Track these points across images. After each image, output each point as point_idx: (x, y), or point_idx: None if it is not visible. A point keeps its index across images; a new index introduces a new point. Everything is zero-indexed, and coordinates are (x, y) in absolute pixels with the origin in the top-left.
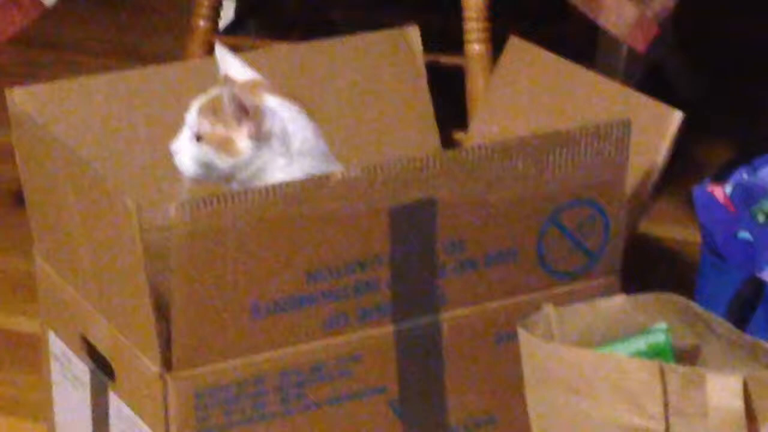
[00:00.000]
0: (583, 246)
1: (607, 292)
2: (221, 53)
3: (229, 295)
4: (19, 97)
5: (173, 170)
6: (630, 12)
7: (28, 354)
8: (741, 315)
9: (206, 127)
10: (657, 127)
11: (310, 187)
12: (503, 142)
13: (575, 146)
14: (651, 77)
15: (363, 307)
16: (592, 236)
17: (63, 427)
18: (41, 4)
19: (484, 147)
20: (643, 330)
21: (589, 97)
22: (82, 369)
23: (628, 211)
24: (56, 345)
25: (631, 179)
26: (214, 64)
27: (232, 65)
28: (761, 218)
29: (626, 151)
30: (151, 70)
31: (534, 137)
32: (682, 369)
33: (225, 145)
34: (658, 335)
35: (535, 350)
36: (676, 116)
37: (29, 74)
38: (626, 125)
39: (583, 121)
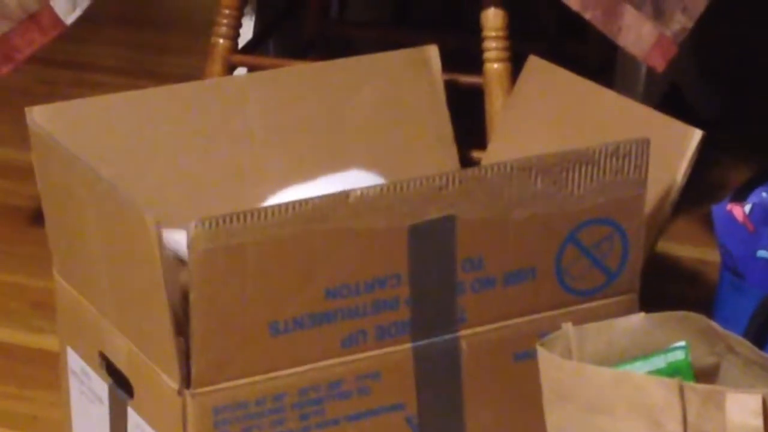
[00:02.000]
0: (601, 264)
1: (626, 310)
2: (168, 235)
3: (248, 312)
4: (39, 115)
5: (192, 188)
6: (649, 32)
7: (47, 371)
8: (760, 333)
9: None
10: (676, 146)
11: (329, 205)
12: (522, 161)
13: (594, 165)
14: (669, 97)
15: (382, 324)
16: (611, 255)
17: None
18: (61, 23)
19: (504, 165)
20: (663, 348)
21: (609, 116)
22: (100, 385)
23: (647, 230)
24: (75, 362)
25: (650, 198)
26: (233, 85)
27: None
28: None
29: (645, 169)
30: (171, 89)
31: (553, 155)
32: (701, 387)
33: None
34: (678, 353)
35: (554, 368)
36: (696, 135)
37: (48, 93)
38: (645, 144)
39: (602, 139)
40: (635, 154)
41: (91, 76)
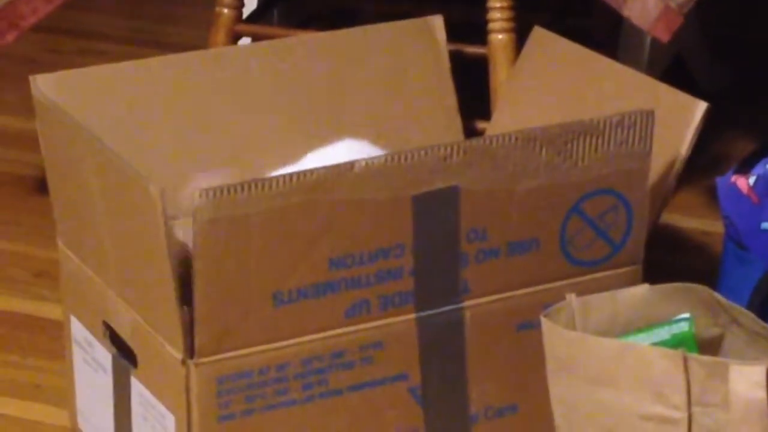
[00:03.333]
0: (606, 235)
1: (630, 281)
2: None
3: (252, 282)
4: (43, 83)
5: (196, 157)
6: (654, 3)
7: (50, 340)
8: (764, 305)
9: None
10: (681, 118)
11: (334, 175)
12: (527, 131)
13: (599, 135)
14: (673, 69)
15: (385, 294)
16: (615, 226)
17: (85, 413)
18: None
19: (508, 136)
20: (667, 320)
21: (613, 87)
22: (104, 355)
23: (651, 201)
24: (78, 331)
25: (655, 169)
26: (237, 55)
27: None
28: None
29: (650, 140)
30: (175, 58)
31: (558, 126)
32: (705, 359)
33: None
34: (682, 325)
35: (558, 339)
36: (701, 107)
37: (52, 62)
38: (650, 115)
39: (606, 110)
40: (640, 125)
41: (96, 45)
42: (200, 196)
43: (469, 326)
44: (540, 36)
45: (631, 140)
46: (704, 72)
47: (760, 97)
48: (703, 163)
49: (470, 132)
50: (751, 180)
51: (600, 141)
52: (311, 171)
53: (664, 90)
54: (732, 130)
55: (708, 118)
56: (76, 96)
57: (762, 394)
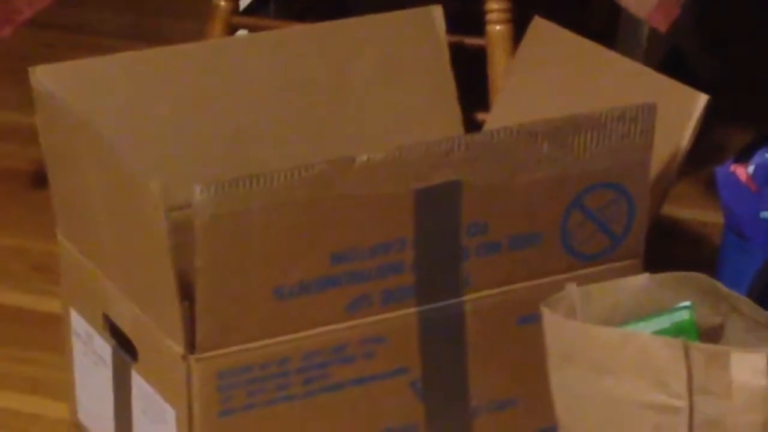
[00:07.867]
0: (607, 229)
1: (631, 274)
2: None
3: (253, 277)
4: (42, 75)
5: (193, 150)
6: None
7: (50, 333)
8: (764, 293)
9: None
10: (682, 110)
11: (335, 170)
12: (529, 125)
13: (600, 129)
14: (670, 59)
15: (387, 289)
16: (617, 219)
17: (85, 406)
18: None
19: (509, 129)
20: (668, 308)
21: (614, 79)
22: (104, 348)
23: (652, 195)
24: (78, 324)
25: (656, 162)
26: (234, 47)
27: None
28: None
29: (651, 134)
30: (173, 50)
31: (559, 120)
32: (706, 347)
33: None
34: (683, 313)
35: (559, 329)
36: (702, 99)
37: (47, 57)
38: (652, 108)
39: (606, 103)
40: (641, 119)
41: (92, 39)
42: (201, 191)
43: (469, 320)
44: (540, 26)
45: (632, 133)
46: (701, 62)
47: (758, 87)
48: (701, 153)
49: (470, 123)
50: (750, 169)
51: (601, 134)
52: (312, 165)
53: (665, 82)
54: (730, 120)
55: (706, 108)
56: (76, 88)
57: (763, 381)
